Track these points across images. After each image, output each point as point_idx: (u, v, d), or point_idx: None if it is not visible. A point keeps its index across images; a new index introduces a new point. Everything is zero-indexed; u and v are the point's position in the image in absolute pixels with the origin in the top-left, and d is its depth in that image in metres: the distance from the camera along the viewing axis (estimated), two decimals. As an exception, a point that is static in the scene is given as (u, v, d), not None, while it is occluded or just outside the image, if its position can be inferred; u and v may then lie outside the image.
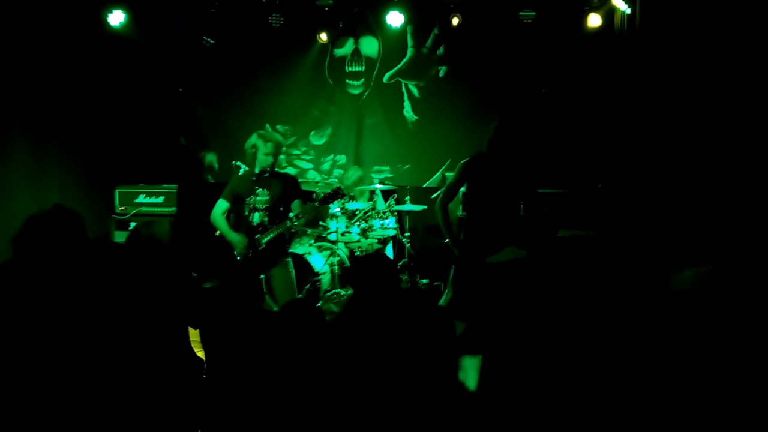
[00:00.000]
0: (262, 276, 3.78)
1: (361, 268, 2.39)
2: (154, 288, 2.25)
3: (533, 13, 5.11)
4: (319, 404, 1.91)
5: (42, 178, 4.74)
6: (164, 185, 5.11)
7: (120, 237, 4.84)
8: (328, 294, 4.58)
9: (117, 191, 5.05)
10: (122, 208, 5.02)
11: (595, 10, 4.98)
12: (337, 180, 5.54)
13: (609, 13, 4.98)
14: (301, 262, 4.57)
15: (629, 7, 4.68)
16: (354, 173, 5.09)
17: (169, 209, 5.02)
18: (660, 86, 4.41)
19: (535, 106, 5.25)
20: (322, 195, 3.74)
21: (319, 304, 4.50)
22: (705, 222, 4.06)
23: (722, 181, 3.99)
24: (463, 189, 4.10)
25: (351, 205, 4.78)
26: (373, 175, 5.50)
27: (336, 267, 4.71)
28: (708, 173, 4.08)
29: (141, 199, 5.03)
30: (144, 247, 2.34)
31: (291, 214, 3.78)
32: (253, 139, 3.73)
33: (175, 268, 2.38)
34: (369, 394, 1.96)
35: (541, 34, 5.16)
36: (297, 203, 3.85)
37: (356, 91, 5.63)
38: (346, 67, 5.59)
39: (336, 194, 3.77)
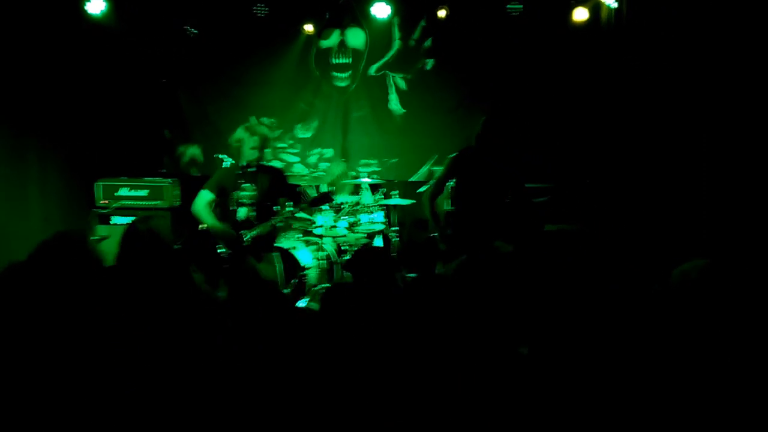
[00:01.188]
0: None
1: (363, 259, 2.40)
2: (154, 288, 2.19)
3: (520, 6, 5.11)
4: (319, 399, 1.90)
5: (22, 171, 4.66)
6: (147, 178, 5.03)
7: (102, 231, 4.75)
8: (315, 288, 4.55)
9: (98, 184, 4.95)
10: (104, 201, 4.92)
11: (581, 3, 4.99)
12: (324, 173, 5.50)
13: (596, 6, 5.00)
14: (287, 256, 4.53)
15: (616, 0, 4.69)
16: (337, 167, 5.07)
17: (152, 203, 4.93)
18: (647, 80, 4.44)
19: (523, 100, 5.26)
20: (311, 198, 3.75)
21: (306, 300, 4.47)
22: (694, 215, 4.11)
23: (713, 174, 4.03)
24: (451, 183, 4.09)
25: (339, 198, 4.76)
26: (360, 169, 5.46)
27: (323, 261, 4.68)
28: (697, 167, 4.12)
29: (123, 192, 4.94)
30: (142, 245, 2.25)
31: (276, 208, 3.74)
32: (239, 132, 3.67)
33: (176, 265, 2.31)
34: (365, 388, 1.95)
35: (528, 27, 5.16)
36: (283, 199, 3.81)
37: (343, 84, 5.57)
38: (333, 59, 5.52)
39: (326, 198, 3.79)
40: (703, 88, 4.08)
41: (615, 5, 4.72)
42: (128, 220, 4.77)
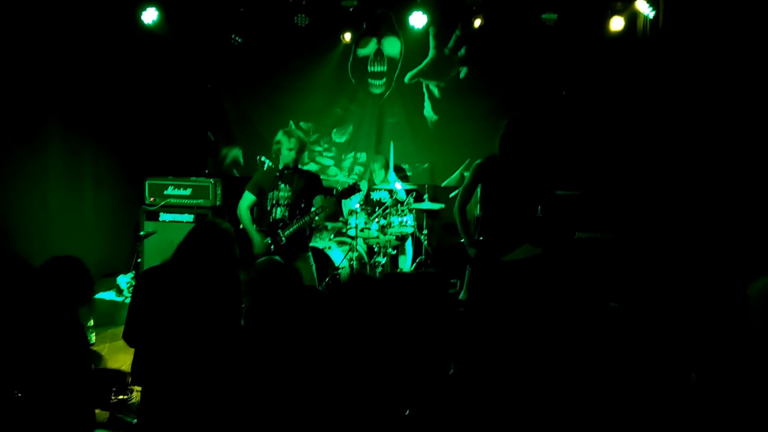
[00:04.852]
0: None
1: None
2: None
3: (555, 16, 5.14)
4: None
5: (78, 168, 4.91)
6: (192, 178, 5.30)
7: (149, 227, 5.04)
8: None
9: (147, 183, 5.24)
10: (152, 199, 5.22)
11: (617, 13, 4.98)
12: (357, 177, 5.67)
13: (632, 16, 4.99)
14: (321, 256, 4.71)
15: (653, 10, 4.67)
16: (377, 160, 5.25)
17: (196, 201, 5.20)
18: (682, 90, 4.41)
19: (555, 108, 5.29)
20: (341, 189, 3.86)
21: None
22: (727, 225, 4.05)
23: (746, 186, 3.97)
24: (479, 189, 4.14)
25: (375, 195, 4.90)
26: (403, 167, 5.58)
27: (354, 262, 4.84)
28: (731, 178, 4.07)
29: (170, 191, 5.22)
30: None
31: (312, 209, 3.91)
32: (279, 135, 3.87)
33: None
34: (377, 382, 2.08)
35: (563, 36, 5.19)
36: (318, 199, 3.98)
37: (378, 91, 5.73)
38: (369, 67, 5.69)
39: (353, 189, 3.90)
40: (739, 98, 4.04)
41: (652, 15, 4.69)
42: (175, 217, 5.09)
